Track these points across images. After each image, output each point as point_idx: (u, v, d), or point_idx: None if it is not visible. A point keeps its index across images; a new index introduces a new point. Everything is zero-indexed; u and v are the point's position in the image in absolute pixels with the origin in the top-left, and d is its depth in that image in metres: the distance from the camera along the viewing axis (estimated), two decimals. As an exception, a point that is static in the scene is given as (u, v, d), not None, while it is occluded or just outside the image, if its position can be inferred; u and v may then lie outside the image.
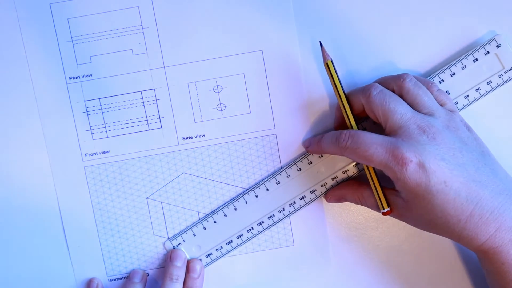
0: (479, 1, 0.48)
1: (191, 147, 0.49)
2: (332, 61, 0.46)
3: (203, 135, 0.49)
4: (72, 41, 0.48)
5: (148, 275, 0.50)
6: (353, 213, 0.50)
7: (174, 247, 0.50)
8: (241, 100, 0.49)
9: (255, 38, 0.48)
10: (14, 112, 0.49)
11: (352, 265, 0.50)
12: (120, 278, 0.50)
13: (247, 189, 0.49)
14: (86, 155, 0.49)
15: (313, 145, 0.47)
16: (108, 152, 0.49)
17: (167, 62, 0.48)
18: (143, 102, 0.49)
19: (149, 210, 0.50)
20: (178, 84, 0.49)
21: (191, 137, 0.49)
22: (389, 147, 0.41)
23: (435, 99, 0.44)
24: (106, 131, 0.49)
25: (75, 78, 0.49)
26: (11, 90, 0.48)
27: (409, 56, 0.48)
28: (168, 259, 0.49)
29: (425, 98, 0.43)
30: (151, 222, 0.50)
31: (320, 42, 0.47)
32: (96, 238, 0.49)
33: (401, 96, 0.44)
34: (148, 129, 0.49)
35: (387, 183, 0.44)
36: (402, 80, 0.44)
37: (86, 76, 0.49)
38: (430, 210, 0.41)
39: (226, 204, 0.49)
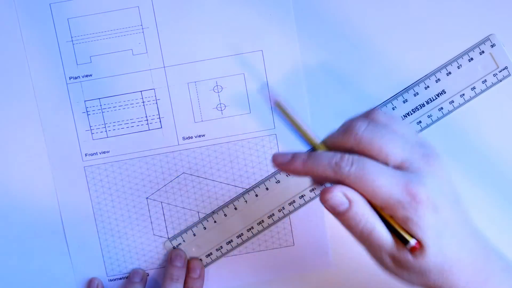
0: (475, 1, 0.49)
1: (191, 147, 0.49)
2: (280, 102, 0.40)
3: (203, 135, 0.49)
4: (72, 41, 0.48)
5: (148, 275, 0.50)
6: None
7: (174, 247, 0.49)
8: (241, 100, 0.49)
9: (255, 38, 0.48)
10: (14, 112, 0.48)
11: (352, 265, 0.50)
12: (120, 278, 0.50)
13: (247, 189, 0.49)
14: (86, 155, 0.49)
15: (295, 163, 0.36)
16: (108, 152, 0.49)
17: (167, 62, 0.49)
18: (143, 102, 0.49)
19: (149, 210, 0.49)
20: (178, 84, 0.49)
21: (191, 137, 0.49)
22: (400, 180, 0.34)
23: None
24: (106, 131, 0.49)
25: (75, 78, 0.49)
26: (11, 90, 0.48)
27: (409, 55, 0.49)
28: (168, 259, 0.49)
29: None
30: (151, 222, 0.49)
31: (266, 83, 0.47)
32: (96, 238, 0.49)
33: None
34: (148, 129, 0.49)
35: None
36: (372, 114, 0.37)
37: (86, 76, 0.49)
38: None
39: (226, 203, 0.49)
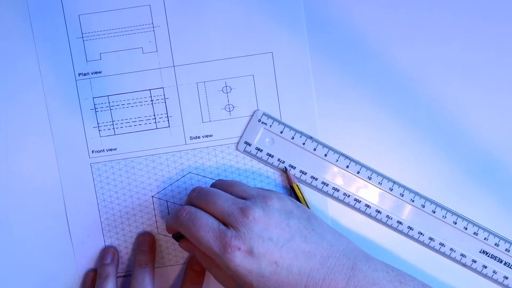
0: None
1: (198, 147, 0.49)
2: (298, 185, 0.48)
3: (211, 135, 0.49)
4: (82, 37, 0.48)
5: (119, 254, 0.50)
6: (353, 213, 0.50)
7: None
8: (249, 101, 0.49)
9: (266, 40, 0.48)
10: (22, 107, 0.48)
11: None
12: (124, 276, 0.50)
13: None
14: (93, 152, 0.49)
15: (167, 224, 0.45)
16: (115, 149, 0.49)
17: (176, 61, 0.49)
18: (152, 100, 0.49)
19: (154, 209, 0.49)
20: (187, 84, 0.49)
21: (199, 137, 0.49)
22: (218, 233, 0.41)
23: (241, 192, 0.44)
24: (113, 128, 0.49)
25: (84, 74, 0.49)
26: (21, 85, 0.48)
27: (419, 60, 0.49)
28: (136, 245, 0.49)
29: (235, 189, 0.44)
30: (156, 221, 0.49)
31: (285, 167, 0.48)
32: (101, 235, 0.49)
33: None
34: (156, 127, 0.49)
35: None
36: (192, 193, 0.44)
37: (95, 73, 0.49)
38: None
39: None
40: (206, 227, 0.41)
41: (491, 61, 0.49)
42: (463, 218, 0.49)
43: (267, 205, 0.42)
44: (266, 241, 0.40)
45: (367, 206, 0.49)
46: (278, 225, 0.41)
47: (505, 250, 0.49)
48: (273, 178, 0.49)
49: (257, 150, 0.49)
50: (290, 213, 0.42)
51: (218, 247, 0.40)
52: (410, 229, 0.49)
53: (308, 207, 0.48)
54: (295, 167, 0.49)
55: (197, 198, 0.43)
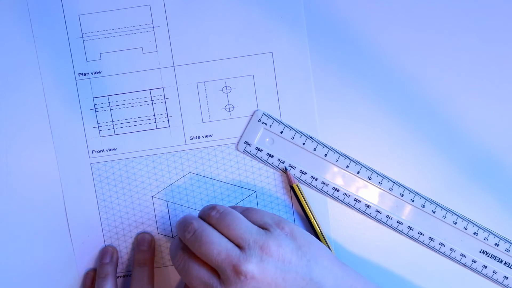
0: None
1: (198, 147, 0.49)
2: (298, 185, 0.48)
3: (211, 135, 0.49)
4: (82, 37, 0.48)
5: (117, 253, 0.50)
6: (353, 213, 0.50)
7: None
8: (249, 101, 0.49)
9: (266, 40, 0.48)
10: (22, 107, 0.48)
11: (352, 265, 0.50)
12: (124, 276, 0.50)
13: (255, 191, 0.49)
14: (93, 152, 0.49)
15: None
16: (115, 149, 0.49)
17: (176, 61, 0.49)
18: (152, 100, 0.49)
19: (154, 209, 0.49)
20: (187, 84, 0.49)
21: (199, 137, 0.49)
22: (231, 254, 0.39)
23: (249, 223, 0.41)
24: (113, 128, 0.49)
25: (84, 74, 0.49)
26: (20, 85, 0.48)
27: (420, 60, 0.49)
28: (135, 244, 0.49)
29: (232, 232, 0.41)
30: (156, 221, 0.50)
31: (285, 167, 0.48)
32: (101, 235, 0.49)
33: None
34: (155, 127, 0.49)
35: None
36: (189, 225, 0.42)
37: (95, 73, 0.49)
38: None
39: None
40: (197, 280, 0.40)
41: (491, 61, 0.49)
42: (463, 218, 0.49)
43: (262, 260, 0.39)
44: (278, 274, 0.39)
45: (367, 206, 0.49)
46: (272, 283, 0.39)
47: (505, 250, 0.49)
48: (273, 178, 0.49)
49: (257, 150, 0.49)
50: (288, 264, 0.40)
51: (229, 269, 0.39)
52: (410, 229, 0.49)
53: (308, 208, 0.48)
54: (295, 167, 0.49)
55: (191, 244, 0.41)
